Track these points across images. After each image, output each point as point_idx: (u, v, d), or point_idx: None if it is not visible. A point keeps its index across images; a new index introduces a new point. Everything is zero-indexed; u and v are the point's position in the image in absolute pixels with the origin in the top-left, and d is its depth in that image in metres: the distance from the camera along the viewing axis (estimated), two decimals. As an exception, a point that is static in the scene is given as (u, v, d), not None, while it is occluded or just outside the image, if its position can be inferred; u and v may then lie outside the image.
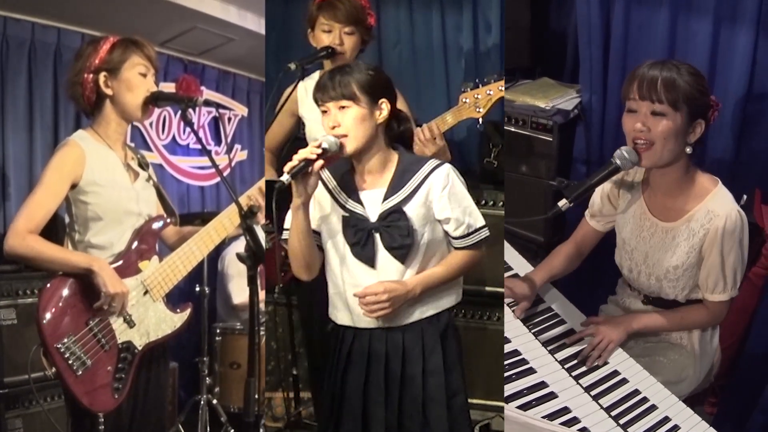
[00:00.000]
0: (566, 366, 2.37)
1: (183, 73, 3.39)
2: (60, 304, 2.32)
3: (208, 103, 2.53)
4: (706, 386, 2.66)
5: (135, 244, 2.51)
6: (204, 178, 5.43)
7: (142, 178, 2.61)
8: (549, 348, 2.45)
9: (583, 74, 3.45)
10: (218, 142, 5.55)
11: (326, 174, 2.26)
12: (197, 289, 4.07)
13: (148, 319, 2.51)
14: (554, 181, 2.31)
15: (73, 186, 2.41)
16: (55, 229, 2.47)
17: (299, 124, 3.06)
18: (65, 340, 2.30)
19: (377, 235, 2.20)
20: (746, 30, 2.82)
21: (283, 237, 2.26)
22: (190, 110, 2.45)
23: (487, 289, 3.48)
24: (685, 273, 2.41)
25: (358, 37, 2.87)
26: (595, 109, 3.40)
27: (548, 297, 2.71)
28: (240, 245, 2.19)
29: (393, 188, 2.20)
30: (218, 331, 4.37)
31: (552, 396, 2.24)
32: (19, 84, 4.13)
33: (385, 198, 2.20)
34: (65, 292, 2.34)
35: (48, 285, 2.34)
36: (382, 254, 2.20)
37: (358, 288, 2.19)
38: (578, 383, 2.29)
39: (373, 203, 2.22)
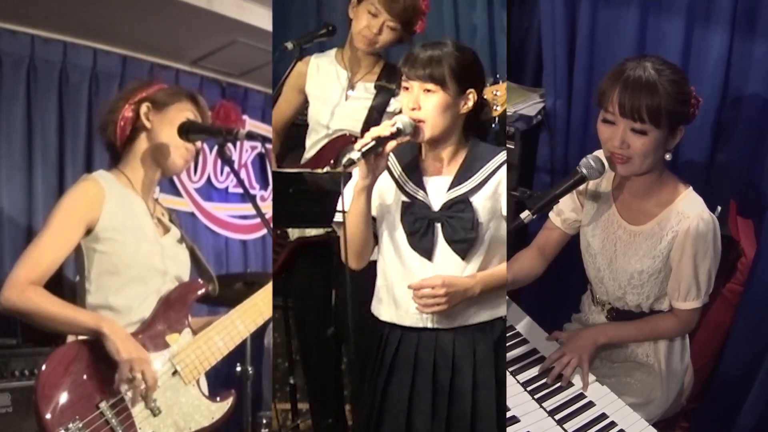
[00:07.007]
0: (529, 388, 2.29)
1: (220, 99, 3.00)
2: (65, 379, 1.98)
3: (251, 136, 2.17)
4: (678, 410, 2.61)
5: (161, 311, 2.19)
6: (246, 230, 4.87)
7: (173, 235, 2.31)
8: (511, 369, 2.36)
9: (546, 77, 3.36)
10: (264, 185, 4.99)
11: (392, 158, 2.16)
12: (238, 369, 3.62)
13: (178, 406, 2.16)
14: (516, 191, 2.26)
15: (88, 232, 2.10)
16: (60, 292, 2.10)
17: (307, 102, 2.94)
18: (70, 426, 1.96)
19: (438, 226, 2.11)
20: (720, 31, 2.74)
21: (337, 219, 2.15)
22: (230, 145, 2.14)
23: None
24: (650, 279, 2.37)
25: (397, 35, 2.79)
26: (559, 115, 3.32)
27: (511, 316, 2.61)
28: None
29: (461, 177, 2.12)
30: (264, 421, 3.86)
31: (514, 420, 2.16)
32: (15, 112, 3.63)
33: (451, 186, 2.12)
34: (73, 364, 2.01)
35: (52, 354, 2.01)
36: (442, 247, 2.11)
37: (410, 282, 2.07)
38: (542, 407, 2.21)
39: (437, 191, 2.13)
